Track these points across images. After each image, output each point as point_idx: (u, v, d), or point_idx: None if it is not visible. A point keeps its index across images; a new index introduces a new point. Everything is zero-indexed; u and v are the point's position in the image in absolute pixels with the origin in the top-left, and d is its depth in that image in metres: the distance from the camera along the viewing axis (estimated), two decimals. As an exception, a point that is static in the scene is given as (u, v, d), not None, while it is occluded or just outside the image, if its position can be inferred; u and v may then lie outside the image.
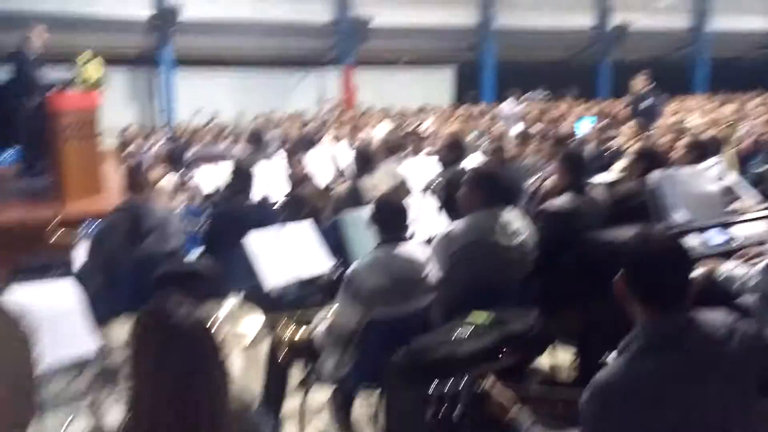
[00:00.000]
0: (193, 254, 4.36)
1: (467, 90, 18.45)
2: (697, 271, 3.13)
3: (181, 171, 7.01)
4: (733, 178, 4.92)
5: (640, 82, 9.49)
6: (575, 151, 4.02)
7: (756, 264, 2.97)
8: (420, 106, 14.45)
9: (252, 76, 16.46)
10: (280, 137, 9.79)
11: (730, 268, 3.08)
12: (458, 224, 3.14)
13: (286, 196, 5.20)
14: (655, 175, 3.61)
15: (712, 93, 17.64)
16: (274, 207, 4.84)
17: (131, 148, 9.73)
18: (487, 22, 17.29)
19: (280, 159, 6.50)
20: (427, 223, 4.04)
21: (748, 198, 4.33)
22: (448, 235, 3.12)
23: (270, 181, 5.52)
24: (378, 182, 4.99)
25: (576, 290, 3.48)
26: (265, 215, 4.39)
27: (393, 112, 14.07)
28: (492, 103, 15.99)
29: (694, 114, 11.31)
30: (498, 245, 3.07)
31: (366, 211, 3.75)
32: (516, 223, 3.17)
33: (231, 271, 3.55)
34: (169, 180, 6.37)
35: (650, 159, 4.14)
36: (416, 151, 7.21)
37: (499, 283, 3.17)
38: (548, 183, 4.30)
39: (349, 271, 2.85)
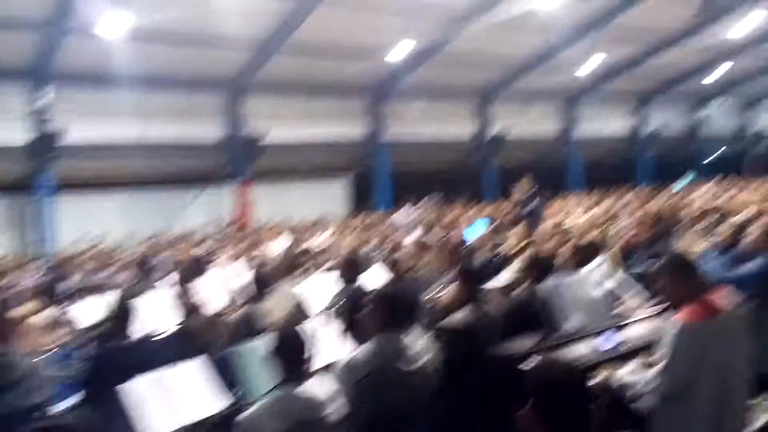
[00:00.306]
0: (68, 403, 3.91)
1: (363, 199, 18.89)
2: (593, 380, 3.17)
3: (59, 305, 6.45)
4: (617, 278, 5.18)
5: (524, 186, 10.06)
6: (469, 265, 4.09)
7: (649, 368, 3.05)
8: (317, 217, 14.53)
9: (142, 197, 16.01)
10: (171, 261, 9.38)
11: (623, 374, 3.14)
12: (360, 351, 3.03)
13: (176, 328, 4.87)
14: (546, 285, 3.72)
15: (586, 192, 19.17)
16: (162, 343, 4.50)
17: (4, 281, 8.94)
18: (377, 135, 18.06)
19: (170, 286, 6.16)
20: (329, 347, 3.89)
21: (634, 297, 4.54)
22: (351, 363, 3.00)
23: (158, 312, 5.18)
24: (274, 306, 4.81)
25: (482, 408, 3.42)
26: (150, 353, 4.06)
27: (290, 225, 14.05)
28: (388, 210, 16.42)
29: (574, 213, 12.12)
30: (401, 371, 2.97)
31: (261, 342, 3.57)
32: (418, 344, 3.10)
33: (113, 420, 3.19)
34: (44, 316, 5.83)
35: (540, 266, 4.29)
36: (315, 267, 7.11)
37: (404, 408, 3.06)
38: (445, 297, 4.31)
39: (244, 417, 2.63)
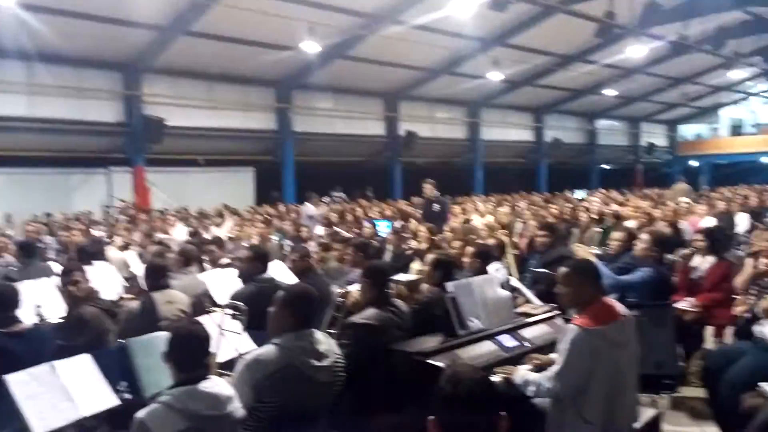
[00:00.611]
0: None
1: (270, 191, 18.56)
2: (496, 378, 3.28)
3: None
4: (515, 281, 5.39)
5: (428, 188, 10.24)
6: (378, 264, 4.09)
7: (547, 368, 3.19)
8: (220, 206, 14.11)
9: (30, 175, 14.89)
10: (59, 245, 8.79)
11: (523, 372, 3.27)
12: (268, 348, 2.95)
13: (64, 317, 4.54)
14: (451, 285, 3.80)
15: (488, 195, 19.91)
16: (50, 332, 4.18)
17: None
18: (285, 126, 17.76)
19: (58, 272, 5.75)
20: (233, 342, 3.78)
21: (531, 299, 4.74)
22: (258, 360, 2.91)
23: (45, 300, 4.81)
24: (173, 298, 4.61)
25: (386, 402, 3.45)
26: (37, 344, 3.77)
27: (191, 213, 13.55)
28: (294, 203, 16.23)
29: (478, 215, 12.50)
30: (309, 367, 2.93)
31: (159, 336, 3.41)
32: (326, 343, 3.07)
33: None
34: None
35: (445, 267, 4.38)
36: (216, 260, 6.89)
37: (310, 405, 3.02)
38: (354, 295, 4.30)
39: (144, 413, 2.49)
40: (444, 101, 21.19)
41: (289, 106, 17.62)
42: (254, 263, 5.01)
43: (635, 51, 15.57)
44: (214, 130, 16.23)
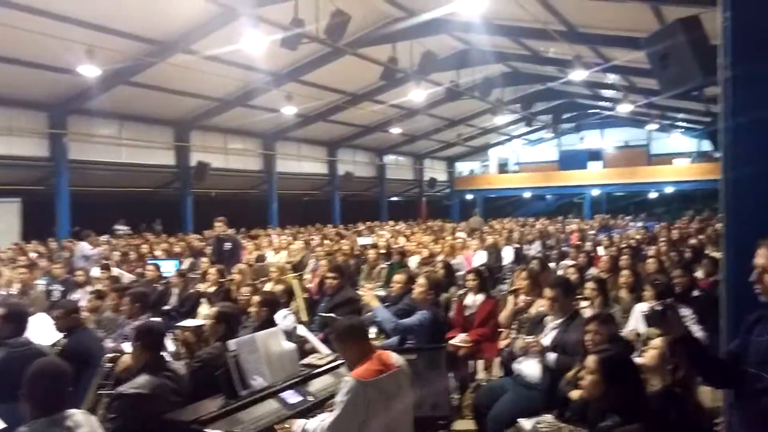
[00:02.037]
0: None
1: (38, 224, 16.54)
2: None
3: None
4: (302, 329, 5.41)
5: (219, 226, 9.92)
6: (150, 325, 3.77)
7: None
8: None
9: None
10: None
11: (301, 422, 3.29)
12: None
13: None
14: (234, 344, 3.67)
15: (284, 227, 19.93)
16: None
17: None
18: (59, 154, 16.03)
19: None
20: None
21: (318, 347, 4.78)
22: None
23: None
24: None
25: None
26: None
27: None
28: (68, 239, 14.66)
29: (270, 251, 12.42)
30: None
31: None
32: (87, 425, 2.74)
33: None
34: None
35: (228, 321, 4.24)
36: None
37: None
38: (125, 359, 3.95)
39: None
40: (238, 132, 20.87)
41: (65, 132, 15.97)
42: (6, 324, 4.36)
43: (416, 94, 16.87)
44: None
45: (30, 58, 12.75)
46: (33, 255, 11.68)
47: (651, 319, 2.59)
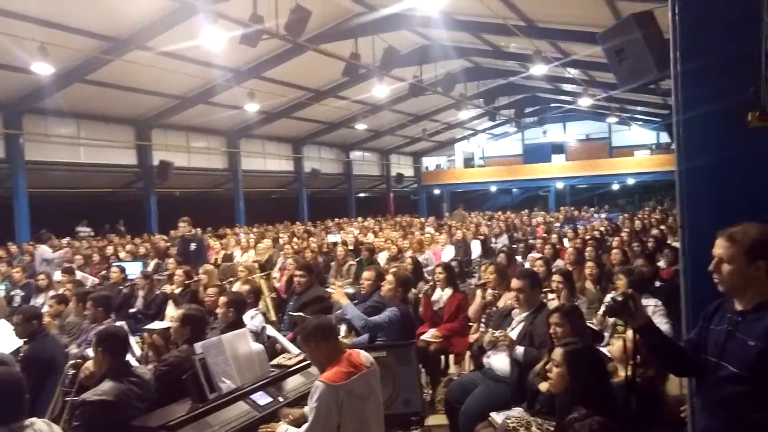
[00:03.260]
0: None
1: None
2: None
3: None
4: (271, 329, 5.36)
5: (183, 226, 9.78)
6: (111, 330, 3.66)
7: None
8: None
9: None
10: None
11: (285, 427, 3.27)
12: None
13: None
14: (200, 346, 3.62)
15: (251, 226, 19.72)
16: None
17: None
18: (16, 155, 15.56)
19: None
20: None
21: (287, 347, 4.74)
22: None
23: None
24: None
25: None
26: None
27: None
28: (28, 242, 14.26)
29: (237, 250, 12.29)
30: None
31: None
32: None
33: None
34: None
35: (194, 323, 4.18)
36: None
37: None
38: (88, 366, 3.85)
39: None
40: (201, 130, 20.54)
41: (21, 132, 15.50)
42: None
43: (380, 90, 16.82)
44: None
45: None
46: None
47: (612, 309, 2.59)
